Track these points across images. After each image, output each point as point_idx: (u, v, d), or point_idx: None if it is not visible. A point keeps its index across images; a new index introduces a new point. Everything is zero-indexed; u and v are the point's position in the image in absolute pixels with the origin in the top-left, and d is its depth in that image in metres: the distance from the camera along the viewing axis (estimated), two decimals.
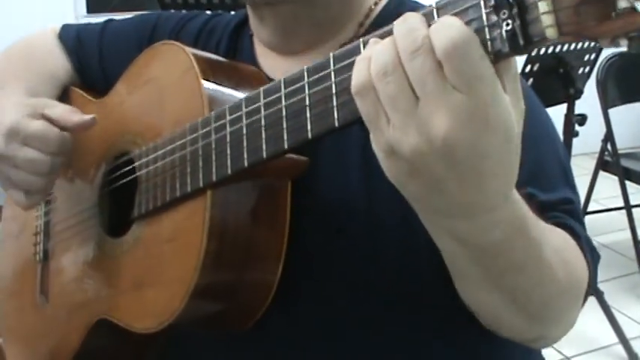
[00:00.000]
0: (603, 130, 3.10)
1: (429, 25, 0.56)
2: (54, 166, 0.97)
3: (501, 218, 0.63)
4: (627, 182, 3.13)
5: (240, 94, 0.88)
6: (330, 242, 0.87)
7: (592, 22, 0.46)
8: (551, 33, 0.49)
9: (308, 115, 0.68)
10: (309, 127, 0.68)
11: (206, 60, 0.91)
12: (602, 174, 3.31)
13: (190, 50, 0.91)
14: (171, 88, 0.92)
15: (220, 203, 0.82)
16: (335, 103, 0.65)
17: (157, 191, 0.89)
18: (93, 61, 1.16)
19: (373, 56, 0.57)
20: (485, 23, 0.53)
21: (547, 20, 0.49)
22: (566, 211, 0.83)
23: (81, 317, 1.02)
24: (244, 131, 0.77)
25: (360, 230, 0.86)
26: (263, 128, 0.75)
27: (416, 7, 0.93)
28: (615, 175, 3.16)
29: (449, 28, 0.53)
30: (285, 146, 0.72)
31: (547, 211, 0.81)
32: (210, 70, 0.88)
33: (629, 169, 3.16)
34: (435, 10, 0.57)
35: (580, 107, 2.76)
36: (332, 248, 0.87)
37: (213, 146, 0.81)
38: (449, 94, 0.54)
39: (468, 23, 0.54)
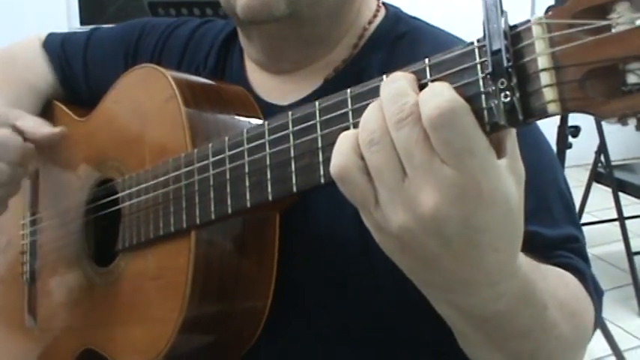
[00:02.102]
0: (596, 141, 3.09)
1: (421, 86, 0.52)
2: (12, 176, 0.96)
3: (505, 291, 0.59)
4: (620, 194, 3.14)
5: (224, 121, 0.86)
6: (321, 275, 0.85)
7: (599, 99, 0.43)
8: (553, 109, 0.45)
9: (293, 167, 0.65)
10: (293, 181, 0.65)
11: (189, 85, 0.88)
12: (595, 186, 3.31)
13: (173, 76, 0.88)
14: (153, 116, 0.90)
15: (205, 243, 0.80)
16: (321, 159, 0.62)
17: (141, 227, 0.87)
18: (77, 73, 1.13)
19: (360, 124, 0.53)
20: (482, 89, 0.49)
21: (549, 94, 0.44)
22: (571, 250, 0.79)
23: (68, 344, 1.01)
24: (227, 176, 0.74)
25: (354, 264, 0.83)
26: (247, 175, 0.71)
27: (414, 26, 0.92)
28: (608, 186, 3.17)
29: (437, 96, 0.49)
30: (270, 197, 0.69)
31: (552, 249, 0.78)
32: (193, 97, 0.86)
33: (622, 181, 3.17)
34: (427, 68, 0.53)
35: (573, 119, 2.75)
36: (323, 281, 0.85)
37: (196, 188, 0.78)
38: (437, 169, 0.49)
39: (462, 87, 0.50)
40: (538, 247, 0.74)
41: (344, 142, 0.54)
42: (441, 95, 0.49)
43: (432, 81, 0.52)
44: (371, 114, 0.52)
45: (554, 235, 0.79)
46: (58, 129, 0.99)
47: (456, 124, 0.48)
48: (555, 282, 0.71)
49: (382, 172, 0.51)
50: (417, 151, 0.49)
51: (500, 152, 0.52)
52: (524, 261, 0.61)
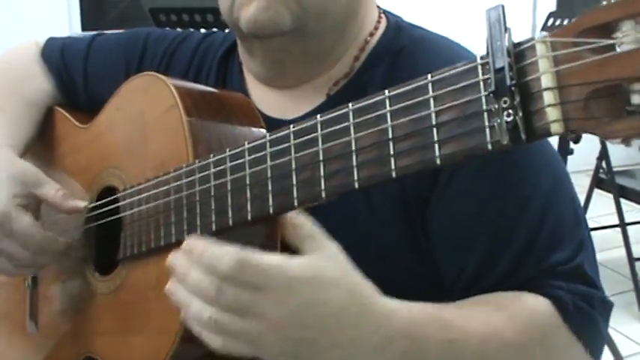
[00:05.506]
0: (598, 147, 3.09)
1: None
2: (33, 262, 0.97)
3: (386, 337, 0.67)
4: (622, 200, 3.13)
5: (226, 130, 0.86)
6: None
7: (603, 119, 0.42)
8: (556, 128, 0.44)
9: (294, 180, 0.65)
10: (295, 194, 0.65)
11: (190, 94, 0.87)
12: (597, 192, 3.30)
13: (174, 84, 0.87)
14: (155, 125, 0.89)
15: None
16: (322, 173, 0.61)
17: (142, 237, 0.87)
18: (77, 81, 1.12)
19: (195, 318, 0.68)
20: (484, 107, 0.49)
21: (553, 114, 0.44)
22: (565, 273, 0.78)
23: (69, 351, 1.01)
24: (229, 187, 0.74)
25: (362, 272, 0.83)
26: (248, 187, 0.71)
27: (416, 37, 0.91)
28: (610, 192, 3.16)
29: (220, 259, 0.63)
30: (271, 211, 0.68)
31: (544, 279, 0.78)
32: (194, 106, 0.85)
33: (623, 187, 3.16)
34: (430, 84, 0.53)
35: None
36: None
37: (197, 198, 0.78)
38: (256, 299, 0.63)
39: (464, 104, 0.50)
40: (532, 277, 0.77)
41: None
42: (221, 257, 0.63)
43: (434, 97, 0.52)
44: (200, 306, 0.66)
45: (550, 261, 0.79)
46: (81, 204, 0.97)
47: (246, 267, 0.62)
48: (483, 315, 0.74)
49: (234, 331, 0.65)
50: (236, 301, 0.63)
51: (301, 252, 0.66)
52: (411, 306, 0.70)
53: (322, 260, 0.65)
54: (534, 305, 0.76)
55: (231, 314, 0.64)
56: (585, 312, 0.78)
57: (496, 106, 0.47)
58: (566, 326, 0.76)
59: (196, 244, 0.66)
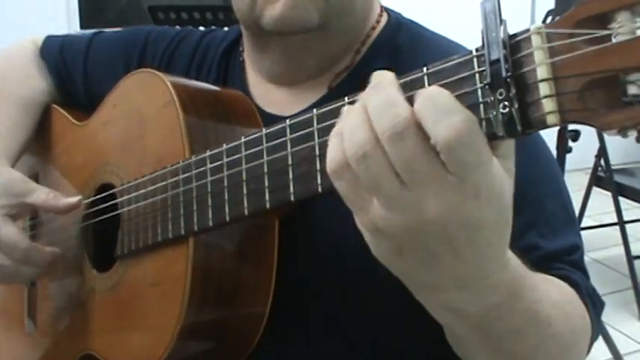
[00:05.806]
0: (596, 145, 3.09)
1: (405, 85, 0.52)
2: (18, 272, 0.97)
3: (497, 282, 0.58)
4: (620, 198, 3.13)
5: (223, 126, 0.86)
6: (323, 281, 0.84)
7: (600, 110, 0.42)
8: (552, 120, 0.44)
9: (290, 175, 0.64)
10: (291, 189, 0.64)
11: (187, 90, 0.87)
12: (595, 190, 3.31)
13: (171, 80, 0.87)
14: (152, 122, 0.89)
15: (203, 250, 0.80)
16: (319, 167, 0.61)
17: (140, 233, 0.87)
18: (76, 78, 1.12)
19: (346, 134, 0.52)
20: (480, 99, 0.48)
21: (548, 105, 0.44)
22: (568, 262, 0.79)
23: (68, 349, 1.01)
24: (225, 183, 0.74)
25: (356, 271, 0.82)
26: (244, 182, 0.71)
27: (415, 34, 0.91)
28: (608, 190, 3.16)
29: (450, 115, 0.47)
30: (267, 206, 0.68)
31: (549, 261, 0.78)
32: (192, 102, 0.85)
33: (622, 185, 3.16)
34: (425, 77, 0.53)
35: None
36: (324, 287, 0.84)
37: (194, 194, 0.78)
38: (440, 179, 0.49)
39: (460, 96, 0.49)
40: (535, 259, 0.75)
41: (337, 139, 0.53)
42: (453, 114, 0.47)
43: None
44: (356, 125, 0.51)
45: (551, 247, 0.79)
46: (74, 200, 0.96)
47: (472, 143, 0.48)
48: (547, 285, 0.71)
49: (377, 184, 0.50)
50: (418, 165, 0.49)
51: (494, 151, 0.51)
52: (513, 256, 0.61)
53: (509, 177, 0.53)
54: (562, 283, 0.76)
55: (394, 177, 0.50)
56: (594, 300, 0.79)
57: (492, 98, 0.47)
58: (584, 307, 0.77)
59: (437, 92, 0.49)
